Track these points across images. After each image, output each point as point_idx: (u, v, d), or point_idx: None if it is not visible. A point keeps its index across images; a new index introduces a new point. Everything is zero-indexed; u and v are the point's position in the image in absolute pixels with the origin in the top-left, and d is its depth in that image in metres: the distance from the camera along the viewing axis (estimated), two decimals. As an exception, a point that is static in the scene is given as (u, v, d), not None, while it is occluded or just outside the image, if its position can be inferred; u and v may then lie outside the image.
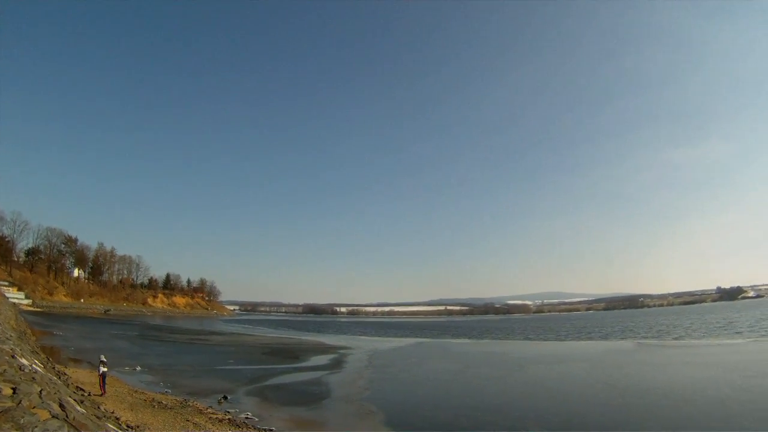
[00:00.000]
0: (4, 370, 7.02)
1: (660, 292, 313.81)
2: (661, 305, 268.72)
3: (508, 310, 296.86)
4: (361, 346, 47.39)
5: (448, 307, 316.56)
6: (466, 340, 57.38)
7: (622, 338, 50.28)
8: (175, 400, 17.04)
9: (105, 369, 17.52)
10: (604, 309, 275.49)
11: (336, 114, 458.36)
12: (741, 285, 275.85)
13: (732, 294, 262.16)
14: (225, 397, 18.29)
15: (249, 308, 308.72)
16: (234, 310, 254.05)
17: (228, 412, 15.68)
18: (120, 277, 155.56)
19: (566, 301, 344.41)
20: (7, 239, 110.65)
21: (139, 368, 26.23)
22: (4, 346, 11.81)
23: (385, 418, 15.18)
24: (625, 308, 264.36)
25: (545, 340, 54.48)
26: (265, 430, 13.71)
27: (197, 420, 13.78)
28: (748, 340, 38.96)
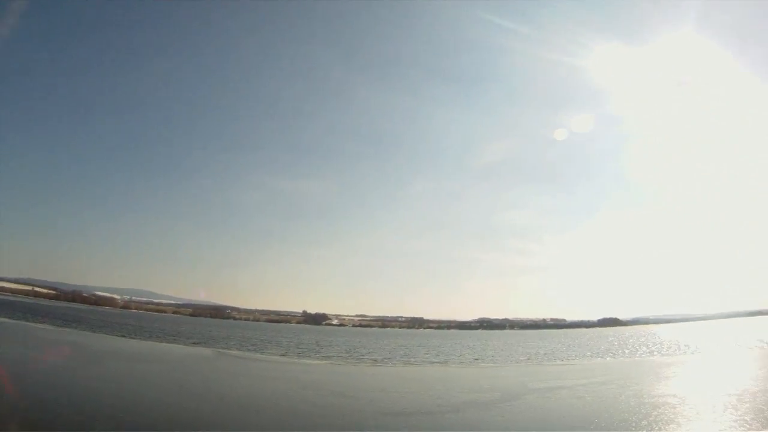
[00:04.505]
0: None
1: (247, 307, 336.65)
2: (248, 319, 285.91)
3: (96, 301, 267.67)
4: None
5: (36, 288, 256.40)
6: (49, 327, 51.64)
7: (205, 345, 54.36)
8: None
9: None
10: (191, 315, 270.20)
11: None
12: (326, 312, 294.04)
13: (317, 319, 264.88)
14: None
15: None
16: None
17: None
18: None
19: (155, 301, 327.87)
20: None
21: None
22: None
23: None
24: (211, 317, 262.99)
25: (129, 337, 53.00)
26: None
27: None
28: (324, 362, 45.42)
